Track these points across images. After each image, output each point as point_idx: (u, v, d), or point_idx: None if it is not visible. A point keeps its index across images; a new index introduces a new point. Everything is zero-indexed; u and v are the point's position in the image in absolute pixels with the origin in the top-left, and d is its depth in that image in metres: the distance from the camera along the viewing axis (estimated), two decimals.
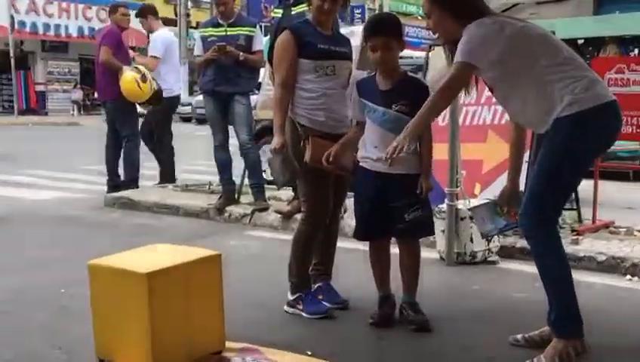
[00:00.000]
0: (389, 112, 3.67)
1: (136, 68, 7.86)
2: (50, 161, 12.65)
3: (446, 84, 3.30)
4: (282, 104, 4.02)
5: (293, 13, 5.86)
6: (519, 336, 3.56)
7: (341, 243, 4.46)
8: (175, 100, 8.71)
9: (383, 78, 3.76)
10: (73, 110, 32.72)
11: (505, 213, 3.70)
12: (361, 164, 3.84)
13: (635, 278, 4.83)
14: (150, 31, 8.79)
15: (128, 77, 7.71)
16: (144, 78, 7.71)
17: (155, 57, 8.37)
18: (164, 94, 8.15)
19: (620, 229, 5.93)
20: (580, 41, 11.33)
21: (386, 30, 3.71)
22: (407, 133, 3.32)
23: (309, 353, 3.39)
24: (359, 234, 3.96)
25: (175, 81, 8.68)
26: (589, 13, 13.98)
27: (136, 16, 8.72)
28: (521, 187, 3.75)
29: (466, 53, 3.23)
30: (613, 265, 4.99)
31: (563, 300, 3.27)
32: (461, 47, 3.25)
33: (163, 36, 8.68)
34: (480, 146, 6.00)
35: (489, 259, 5.28)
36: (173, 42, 9.04)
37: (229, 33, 6.94)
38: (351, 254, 4.78)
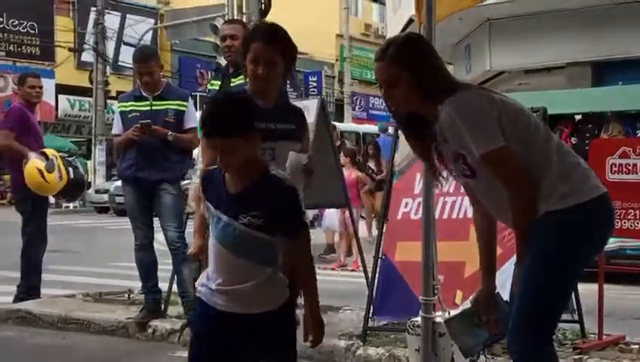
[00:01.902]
0: (233, 225, 3.08)
1: (43, 153, 7.83)
2: None
3: (513, 180, 3.22)
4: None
5: (232, 85, 5.91)
6: None
7: None
8: None
9: (231, 178, 3.16)
10: None
11: (485, 322, 3.64)
12: (197, 292, 3.30)
13: None
14: None
15: (31, 166, 7.67)
16: (51, 167, 7.68)
17: None
18: None
19: (633, 346, 5.90)
20: (578, 117, 11.53)
21: (226, 129, 3.06)
22: (520, 249, 3.28)
23: None
24: None
25: None
26: (587, 85, 14.20)
27: None
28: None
29: (492, 139, 3.19)
30: None
31: None
32: (478, 136, 3.20)
33: None
34: (461, 245, 5.99)
35: None
36: None
37: (154, 108, 6.96)
38: None
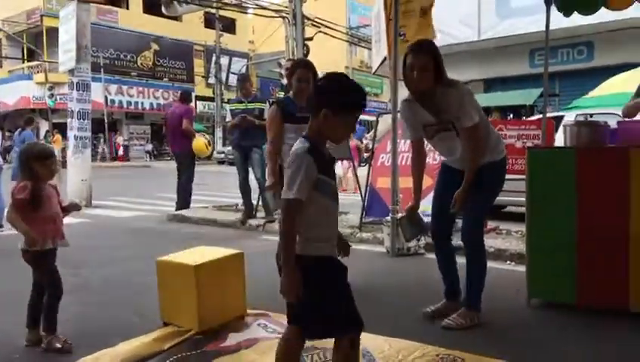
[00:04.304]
0: (333, 184, 2.11)
1: (205, 136, 8.10)
2: (131, 190, 12.57)
3: (478, 142, 3.08)
4: (272, 155, 3.85)
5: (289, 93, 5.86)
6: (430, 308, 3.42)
7: None
8: None
9: (323, 147, 2.17)
10: (146, 157, 32.57)
11: (414, 223, 3.54)
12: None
13: (513, 263, 4.82)
14: None
15: (201, 140, 7.90)
16: (210, 143, 8.09)
17: None
18: None
19: (503, 231, 5.93)
20: None
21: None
22: (470, 180, 3.05)
23: None
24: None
25: None
26: (481, 92, 14.23)
27: None
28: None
29: (475, 116, 3.03)
30: (498, 255, 4.98)
31: (480, 284, 3.23)
32: (471, 112, 3.01)
33: None
34: (410, 179, 5.96)
35: (418, 252, 5.29)
36: None
37: (248, 107, 6.92)
38: None
